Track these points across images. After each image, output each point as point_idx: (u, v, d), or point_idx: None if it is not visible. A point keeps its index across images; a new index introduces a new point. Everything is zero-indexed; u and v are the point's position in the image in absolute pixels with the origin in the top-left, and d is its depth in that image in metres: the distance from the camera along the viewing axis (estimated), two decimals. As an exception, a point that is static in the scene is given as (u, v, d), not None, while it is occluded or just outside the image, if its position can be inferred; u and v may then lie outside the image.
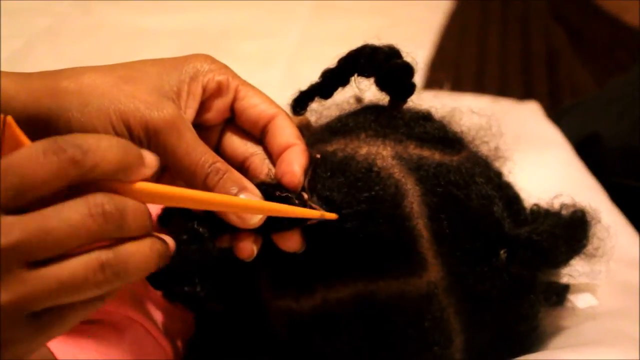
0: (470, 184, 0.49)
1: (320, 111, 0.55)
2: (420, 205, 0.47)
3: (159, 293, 0.47)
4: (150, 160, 0.39)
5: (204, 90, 0.48)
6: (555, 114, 1.01)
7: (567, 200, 0.54)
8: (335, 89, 0.52)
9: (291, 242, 0.46)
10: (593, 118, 0.97)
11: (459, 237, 0.48)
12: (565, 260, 0.53)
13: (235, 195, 0.44)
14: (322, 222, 0.45)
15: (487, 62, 1.60)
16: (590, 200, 0.55)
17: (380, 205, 0.46)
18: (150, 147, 0.44)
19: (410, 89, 0.51)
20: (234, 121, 0.50)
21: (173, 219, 0.51)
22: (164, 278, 0.45)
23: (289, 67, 1.26)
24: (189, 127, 0.45)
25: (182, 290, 0.46)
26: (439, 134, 0.51)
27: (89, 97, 0.43)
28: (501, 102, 0.98)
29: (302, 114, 0.53)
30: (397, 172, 0.47)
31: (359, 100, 0.55)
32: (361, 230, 0.46)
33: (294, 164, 0.46)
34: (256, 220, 0.44)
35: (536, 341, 0.55)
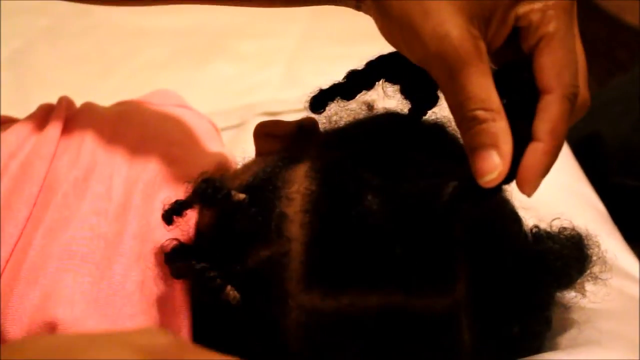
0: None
1: (329, 116, 0.54)
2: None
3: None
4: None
5: (517, 20, 0.44)
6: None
7: (565, 223, 0.54)
8: (360, 91, 0.51)
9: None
10: (593, 118, 0.97)
11: (486, 255, 0.47)
12: (575, 281, 0.53)
13: (486, 150, 0.41)
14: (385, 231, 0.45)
15: (487, 62, 1.60)
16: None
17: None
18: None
19: (434, 100, 0.51)
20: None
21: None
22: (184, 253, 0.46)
23: (289, 67, 1.25)
24: (476, 62, 0.42)
25: (200, 267, 0.46)
26: (455, 149, 0.51)
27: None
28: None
29: (320, 113, 0.52)
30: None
31: (370, 107, 0.54)
32: (415, 242, 0.45)
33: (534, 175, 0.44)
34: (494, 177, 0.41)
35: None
